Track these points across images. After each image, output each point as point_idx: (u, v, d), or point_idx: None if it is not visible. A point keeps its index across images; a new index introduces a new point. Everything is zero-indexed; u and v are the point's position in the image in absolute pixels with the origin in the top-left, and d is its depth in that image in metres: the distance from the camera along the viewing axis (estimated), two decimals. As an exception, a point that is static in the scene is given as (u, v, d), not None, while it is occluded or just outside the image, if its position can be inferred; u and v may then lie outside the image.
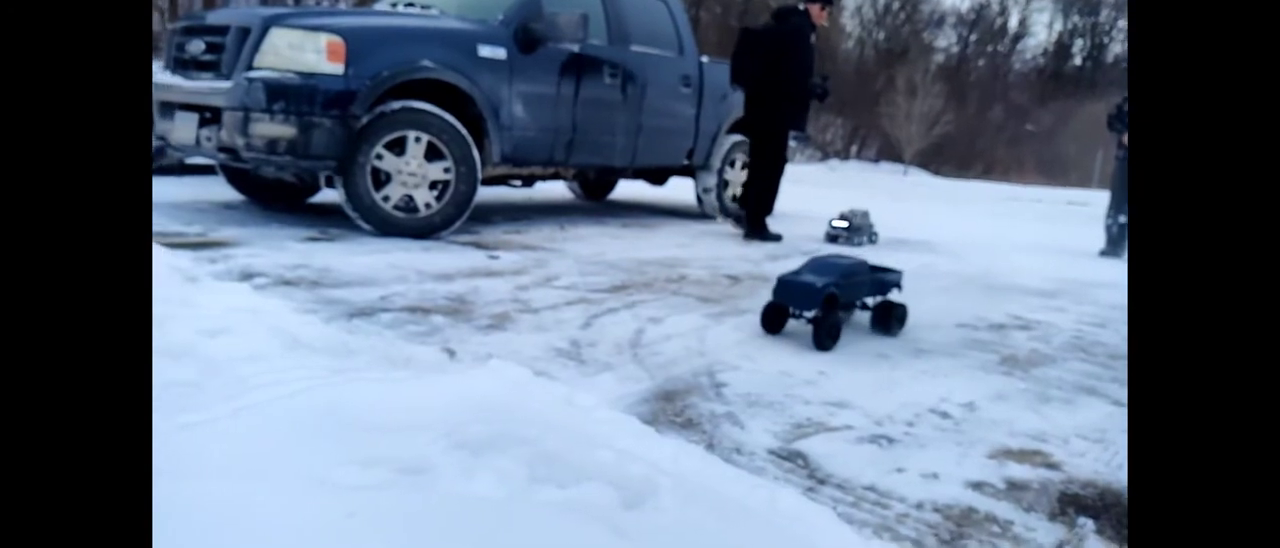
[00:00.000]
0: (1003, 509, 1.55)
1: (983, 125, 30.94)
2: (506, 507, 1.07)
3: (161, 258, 2.54)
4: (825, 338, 2.62)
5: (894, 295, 3.04)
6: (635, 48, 5.39)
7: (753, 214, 5.29)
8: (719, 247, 4.93)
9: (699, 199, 6.33)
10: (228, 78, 3.96)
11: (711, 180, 6.17)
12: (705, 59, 6.02)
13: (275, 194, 4.97)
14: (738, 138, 6.22)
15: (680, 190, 6.98)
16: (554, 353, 2.38)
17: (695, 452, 1.45)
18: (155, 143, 4.67)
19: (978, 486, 1.66)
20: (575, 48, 4.86)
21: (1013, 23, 34.09)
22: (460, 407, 1.27)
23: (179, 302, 1.90)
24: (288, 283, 2.99)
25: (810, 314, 2.70)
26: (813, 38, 5.19)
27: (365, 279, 3.18)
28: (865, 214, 5.66)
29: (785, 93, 5.05)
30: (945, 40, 32.90)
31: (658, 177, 6.36)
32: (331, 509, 0.94)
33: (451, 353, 2.21)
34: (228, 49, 4.02)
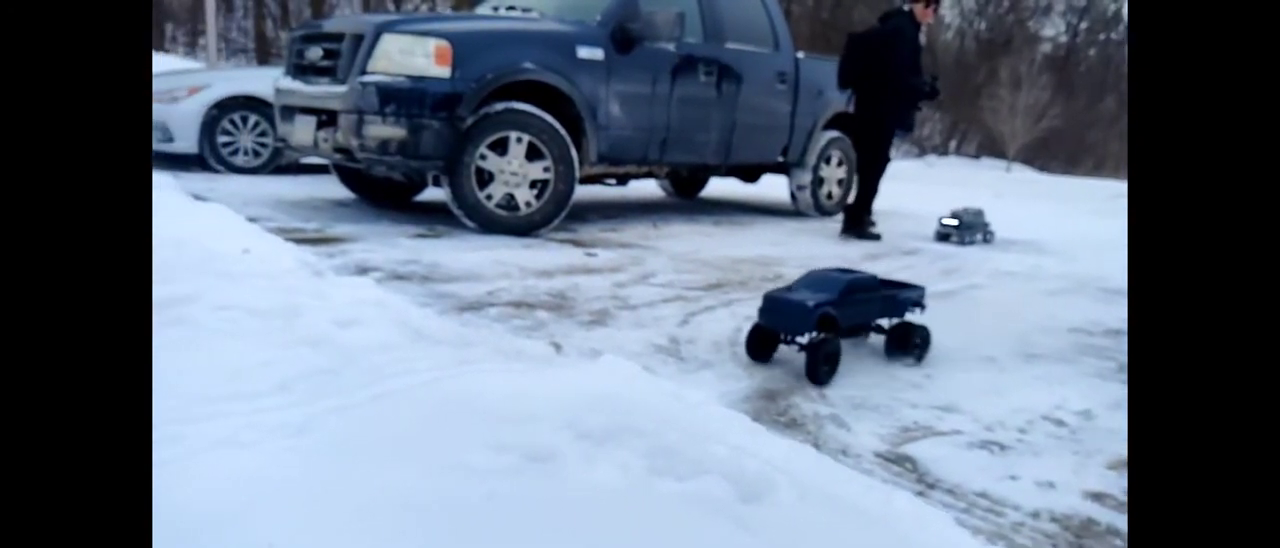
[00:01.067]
0: (1126, 524, 1.49)
1: (1094, 118, 29.30)
2: (630, 496, 1.11)
3: (290, 252, 2.72)
4: (820, 367, 2.21)
5: (914, 316, 2.60)
6: (730, 45, 5.38)
7: (852, 212, 5.25)
8: (814, 245, 4.88)
9: (793, 196, 6.26)
10: (343, 82, 4.19)
11: (806, 178, 6.10)
12: (801, 55, 5.95)
13: (384, 192, 5.21)
14: (834, 134, 6.13)
15: (773, 188, 6.92)
16: (654, 349, 2.42)
17: (807, 451, 1.46)
18: (276, 143, 4.99)
19: (1097, 497, 1.60)
20: (671, 46, 4.90)
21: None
22: (578, 399, 1.32)
23: (311, 294, 2.04)
24: (401, 277, 3.15)
25: (803, 339, 2.30)
26: (921, 37, 5.12)
27: (472, 275, 3.31)
28: (979, 212, 5.47)
29: (888, 91, 4.96)
30: (1053, 29, 31.29)
31: (750, 174, 6.33)
32: (473, 491, 1.01)
33: (558, 347, 2.28)
34: (343, 55, 4.25)
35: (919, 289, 2.64)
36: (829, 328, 2.31)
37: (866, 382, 2.27)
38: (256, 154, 6.31)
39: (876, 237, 5.20)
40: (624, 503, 1.09)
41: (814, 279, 2.51)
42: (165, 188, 3.41)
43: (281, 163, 6.35)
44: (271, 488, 0.99)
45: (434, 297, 2.85)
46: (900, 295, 2.57)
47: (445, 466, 1.07)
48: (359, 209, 5.00)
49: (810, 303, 2.30)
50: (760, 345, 2.39)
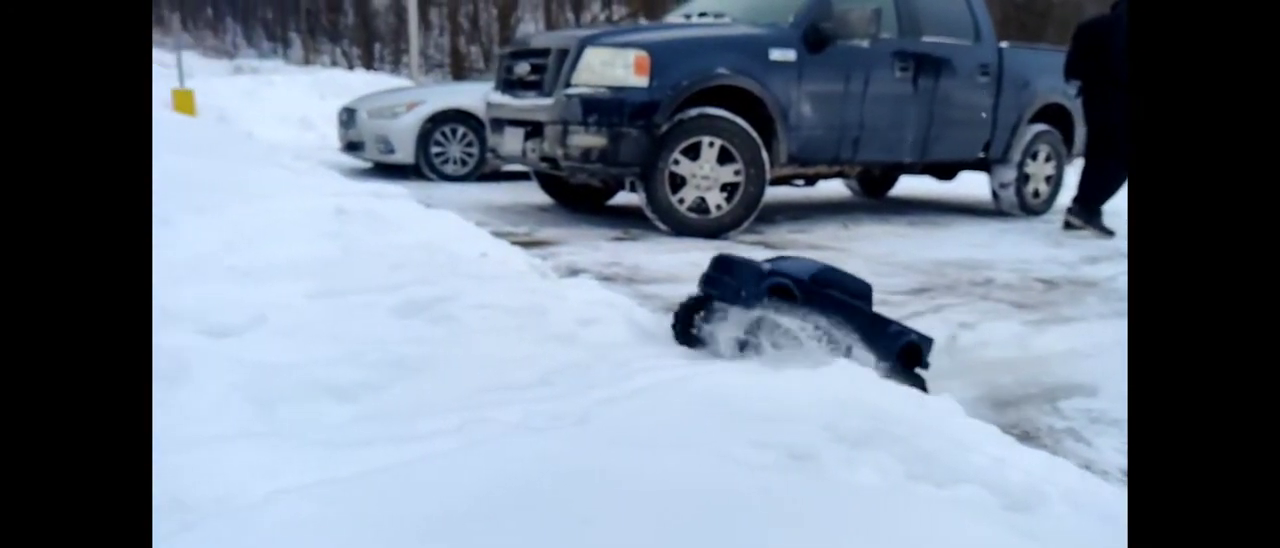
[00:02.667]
0: None
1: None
2: (893, 497, 1.13)
3: (520, 255, 2.96)
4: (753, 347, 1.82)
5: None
6: (928, 38, 5.17)
7: (1082, 201, 4.93)
8: (1023, 246, 4.58)
9: (995, 194, 5.91)
10: (549, 95, 4.47)
11: (1010, 174, 5.73)
12: (1005, 45, 5.61)
13: (580, 197, 5.49)
14: (1041, 128, 5.73)
15: (970, 186, 6.56)
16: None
17: (1068, 465, 1.41)
18: (488, 153, 5.40)
19: None
20: (865, 43, 4.79)
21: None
22: (829, 402, 1.35)
23: (549, 294, 2.21)
24: (607, 279, 3.32)
25: (740, 312, 1.88)
26: None
27: (671, 276, 3.42)
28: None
29: (1113, 80, 4.60)
30: None
31: (946, 171, 6.05)
32: (747, 483, 1.08)
33: (777, 346, 2.32)
34: (549, 69, 4.53)
35: (923, 338, 2.14)
36: (784, 297, 1.93)
37: (1103, 396, 2.12)
38: (463, 163, 6.85)
39: (1110, 233, 4.84)
40: (889, 504, 1.12)
41: (794, 263, 2.17)
42: (400, 196, 3.80)
43: (485, 171, 6.86)
44: (572, 469, 1.11)
45: (641, 298, 2.99)
46: (891, 329, 2.10)
47: (716, 458, 1.15)
48: (558, 213, 5.30)
49: (764, 268, 1.97)
50: (687, 319, 2.05)
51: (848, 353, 1.86)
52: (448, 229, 3.07)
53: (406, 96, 6.97)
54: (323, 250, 2.45)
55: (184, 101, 9.68)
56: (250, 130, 8.66)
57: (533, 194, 5.93)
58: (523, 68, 4.79)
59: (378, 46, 19.25)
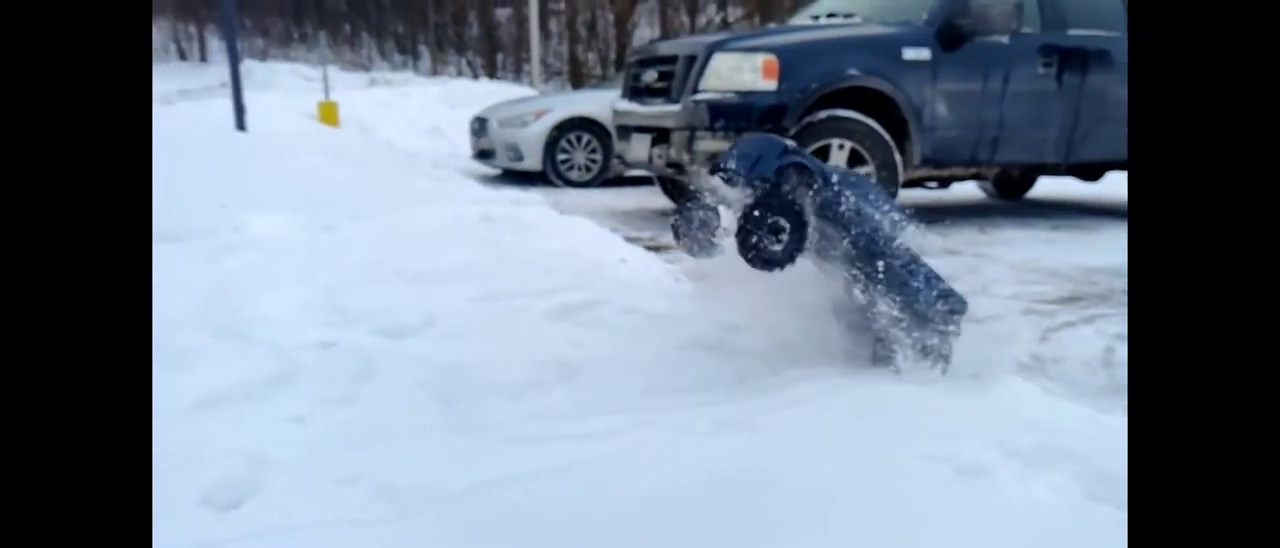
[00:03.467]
0: None
1: None
2: (1073, 516, 1.10)
3: (655, 262, 3.03)
4: (751, 244, 1.68)
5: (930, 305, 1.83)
6: (1073, 31, 4.89)
7: None
8: (1183, 253, 4.25)
9: (1146, 197, 5.50)
10: (676, 101, 4.53)
11: (1164, 175, 5.32)
12: (1160, 35, 5.21)
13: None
14: (1202, 124, 5.29)
15: (1116, 187, 6.14)
16: (1018, 368, 2.31)
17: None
18: (614, 159, 5.52)
19: None
20: (1004, 39, 4.59)
21: None
22: (996, 416, 1.33)
23: (687, 298, 2.26)
24: (737, 283, 3.34)
25: (739, 195, 1.74)
26: None
27: (804, 280, 3.40)
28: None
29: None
30: None
31: (1092, 172, 5.69)
32: (925, 495, 1.08)
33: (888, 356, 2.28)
34: (676, 76, 4.59)
35: (953, 297, 1.88)
36: (798, 180, 1.73)
37: None
38: (588, 169, 7.04)
39: None
40: (1070, 524, 1.09)
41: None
42: (537, 203, 3.96)
43: (607, 176, 7.02)
44: (742, 473, 1.14)
45: (759, 299, 2.99)
46: (916, 277, 1.83)
47: (890, 468, 1.16)
48: (682, 217, 5.36)
49: (783, 147, 1.79)
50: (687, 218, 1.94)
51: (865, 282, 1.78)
52: (586, 236, 3.18)
53: (534, 105, 7.22)
54: (477, 256, 2.60)
55: (328, 113, 10.40)
56: (389, 139, 9.21)
57: (655, 199, 6.01)
58: (650, 75, 4.87)
59: (500, 56, 19.99)
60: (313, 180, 4.69)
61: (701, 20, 18.15)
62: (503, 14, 19.97)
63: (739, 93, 4.29)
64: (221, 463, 1.21)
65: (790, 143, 1.83)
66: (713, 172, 1.82)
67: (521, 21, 18.62)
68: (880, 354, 1.80)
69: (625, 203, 6.07)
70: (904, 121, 4.47)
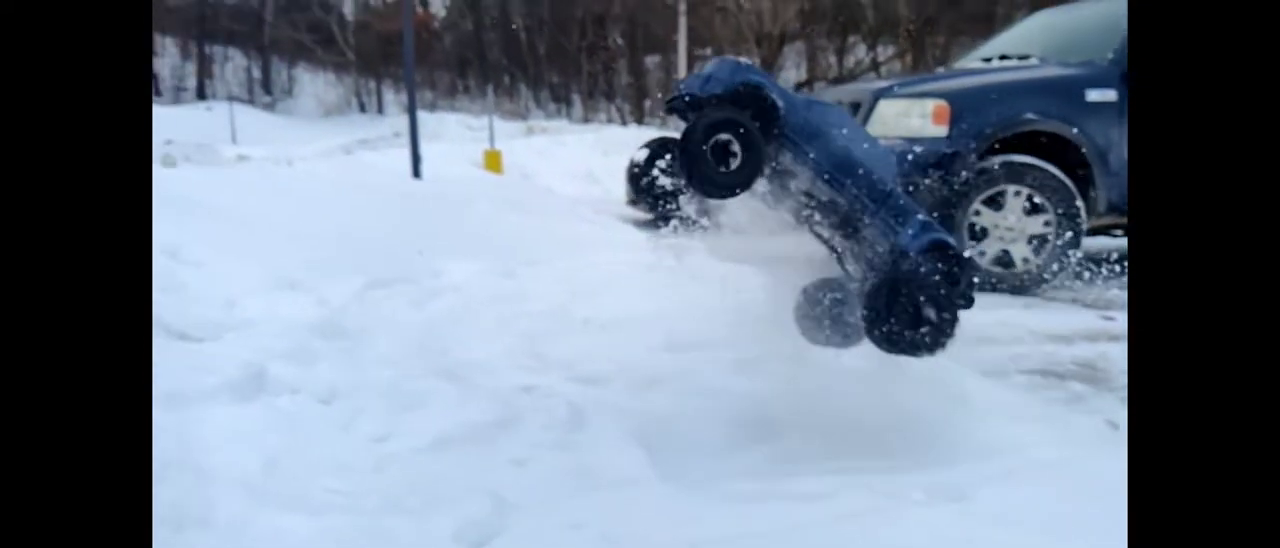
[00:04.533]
0: None
1: None
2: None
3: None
4: (695, 168, 1.51)
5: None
6: None
7: None
8: None
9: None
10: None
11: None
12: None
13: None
14: None
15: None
16: None
17: None
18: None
19: None
20: (1206, 77, 4.24)
21: None
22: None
23: (882, 356, 2.23)
24: (909, 336, 3.24)
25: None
26: None
27: (981, 337, 3.24)
28: None
29: None
30: None
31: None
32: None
33: (1115, 426, 2.13)
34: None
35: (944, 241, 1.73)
36: (746, 104, 1.57)
37: None
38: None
39: None
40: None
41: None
42: (699, 251, 4.03)
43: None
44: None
45: (951, 360, 2.88)
46: (907, 221, 1.69)
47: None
48: (840, 264, 5.27)
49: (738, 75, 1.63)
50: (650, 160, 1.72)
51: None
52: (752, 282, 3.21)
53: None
54: (656, 304, 2.68)
55: (493, 161, 11.07)
56: (549, 186, 9.68)
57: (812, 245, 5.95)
58: (812, 123, 4.87)
59: (647, 102, 20.59)
60: (490, 227, 5.02)
61: (850, 61, 17.92)
62: (651, 61, 20.59)
63: (907, 139, 4.20)
64: (466, 503, 1.32)
65: (747, 61, 1.71)
66: (669, 109, 1.72)
67: (669, 68, 19.11)
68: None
69: (790, 248, 6.05)
70: (1087, 167, 4.21)
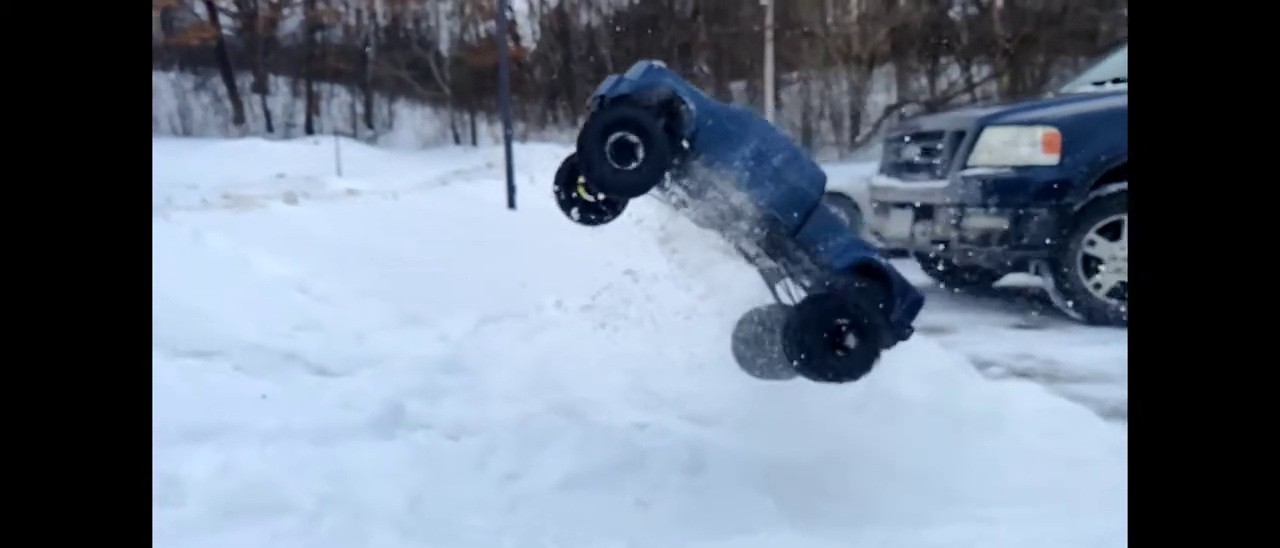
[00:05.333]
0: None
1: None
2: None
3: (936, 349, 2.94)
4: (594, 165, 1.48)
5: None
6: None
7: None
8: None
9: None
10: (942, 178, 4.40)
11: None
12: None
13: (962, 278, 5.26)
14: None
15: None
16: None
17: None
18: (870, 235, 5.46)
19: None
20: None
21: None
22: None
23: (993, 397, 2.17)
24: (1021, 374, 3.12)
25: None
26: None
27: (1098, 374, 3.10)
28: None
29: None
30: None
31: None
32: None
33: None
34: (943, 151, 4.47)
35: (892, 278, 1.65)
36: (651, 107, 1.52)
37: None
38: (835, 242, 6.99)
39: None
40: None
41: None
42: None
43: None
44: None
45: (1072, 399, 2.76)
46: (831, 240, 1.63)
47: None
48: (942, 296, 5.13)
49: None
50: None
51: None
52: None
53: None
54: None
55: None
56: (645, 216, 9.78)
57: (908, 274, 5.82)
58: (912, 150, 4.80)
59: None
60: (585, 259, 5.13)
61: (942, 83, 17.47)
62: (736, 87, 20.62)
63: (1016, 168, 4.08)
64: (599, 545, 1.37)
65: (660, 64, 1.68)
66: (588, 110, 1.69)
67: (754, 94, 19.08)
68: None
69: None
70: (1215, 194, 3.98)
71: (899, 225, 4.78)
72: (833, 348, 1.55)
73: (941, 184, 4.38)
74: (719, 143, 1.60)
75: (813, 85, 18.36)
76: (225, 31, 22.16)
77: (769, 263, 1.75)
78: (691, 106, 1.58)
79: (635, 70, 1.65)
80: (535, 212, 8.17)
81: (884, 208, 5.04)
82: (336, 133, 20.23)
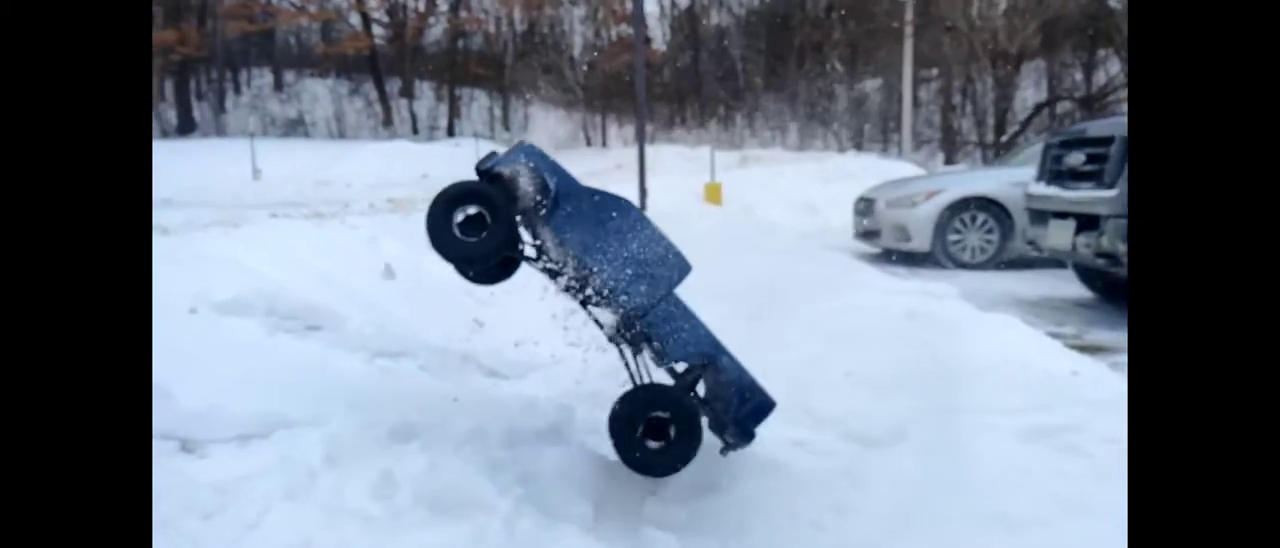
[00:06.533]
0: None
1: None
2: None
3: (1113, 378, 2.77)
4: (438, 233, 1.65)
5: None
6: None
7: None
8: None
9: None
10: (1110, 186, 4.13)
11: None
12: None
13: (1123, 292, 4.91)
14: None
15: None
16: None
17: None
18: (1026, 245, 5.18)
19: None
20: None
21: None
22: None
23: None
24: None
25: None
26: None
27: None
28: None
29: None
30: None
31: None
32: None
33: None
34: (1110, 158, 4.20)
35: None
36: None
37: None
38: (982, 251, 6.69)
39: None
40: None
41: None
42: (950, 296, 3.86)
43: (1002, 259, 6.59)
44: None
45: None
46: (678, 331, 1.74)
47: None
48: (1102, 310, 4.82)
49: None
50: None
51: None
52: (1017, 336, 3.03)
53: (925, 185, 7.11)
54: (918, 360, 2.63)
55: (713, 194, 11.34)
56: (770, 218, 9.74)
57: (1065, 287, 5.48)
58: (1075, 157, 4.53)
59: (866, 126, 20.01)
60: (724, 264, 5.15)
61: (1099, 78, 16.27)
62: (871, 85, 20.02)
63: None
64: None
65: (537, 149, 1.76)
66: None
67: (891, 92, 18.47)
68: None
69: (1030, 290, 5.64)
70: None
71: (1059, 236, 4.53)
72: (654, 439, 1.66)
73: (1110, 193, 4.11)
74: (576, 222, 1.70)
75: (954, 83, 17.54)
76: (377, 41, 23.75)
77: (629, 347, 1.83)
78: (552, 185, 1.70)
79: (515, 150, 1.77)
80: (667, 214, 8.31)
81: (1042, 217, 4.78)
82: (476, 135, 21.29)
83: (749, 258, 5.43)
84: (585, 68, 21.91)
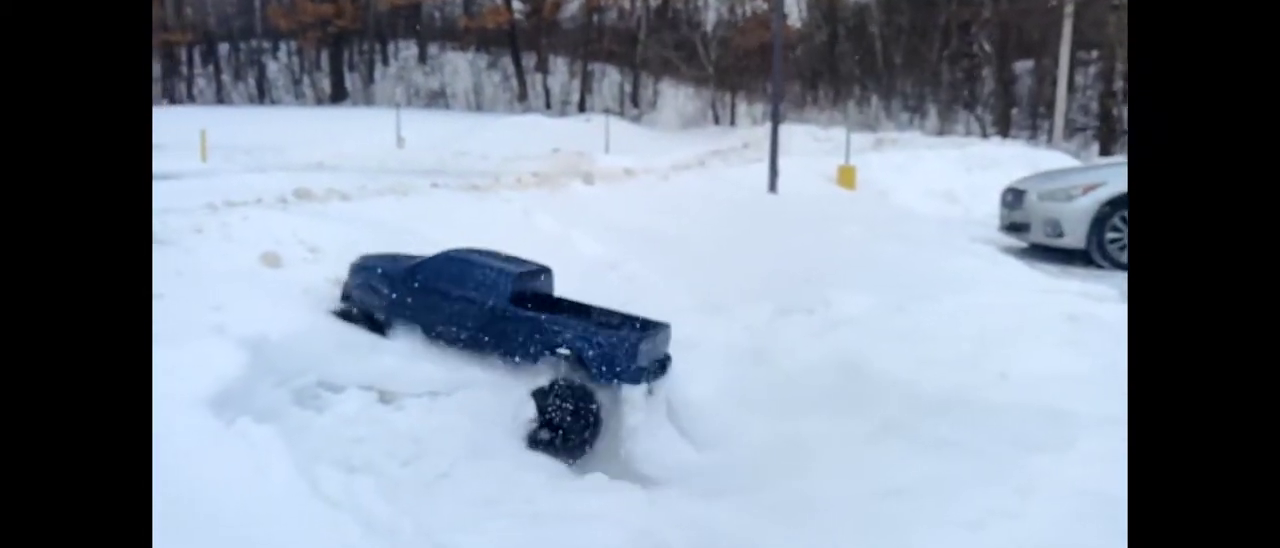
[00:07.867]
0: None
1: None
2: None
3: None
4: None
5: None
6: None
7: None
8: None
9: None
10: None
11: None
12: None
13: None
14: None
15: None
16: None
17: None
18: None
19: None
20: None
21: None
22: None
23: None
24: None
25: None
26: None
27: None
28: None
29: None
30: None
31: None
32: None
33: None
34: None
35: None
36: None
37: None
38: (1145, 251, 6.22)
39: None
40: None
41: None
42: (1112, 299, 3.63)
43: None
44: None
45: None
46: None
47: None
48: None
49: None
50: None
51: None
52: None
53: (1082, 178, 6.65)
54: (1083, 367, 2.51)
55: (846, 177, 11.01)
56: (906, 205, 9.39)
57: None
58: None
59: (1014, 111, 18.85)
60: (863, 253, 5.05)
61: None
62: (1022, 67, 18.81)
63: None
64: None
65: (376, 259, 2.67)
66: None
67: (1043, 75, 17.31)
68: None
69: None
70: None
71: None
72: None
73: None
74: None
75: (1117, 66, 16.18)
76: (516, 15, 24.46)
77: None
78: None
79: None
80: (799, 198, 8.17)
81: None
82: (606, 111, 21.61)
83: (888, 247, 5.29)
84: (717, 44, 21.74)
